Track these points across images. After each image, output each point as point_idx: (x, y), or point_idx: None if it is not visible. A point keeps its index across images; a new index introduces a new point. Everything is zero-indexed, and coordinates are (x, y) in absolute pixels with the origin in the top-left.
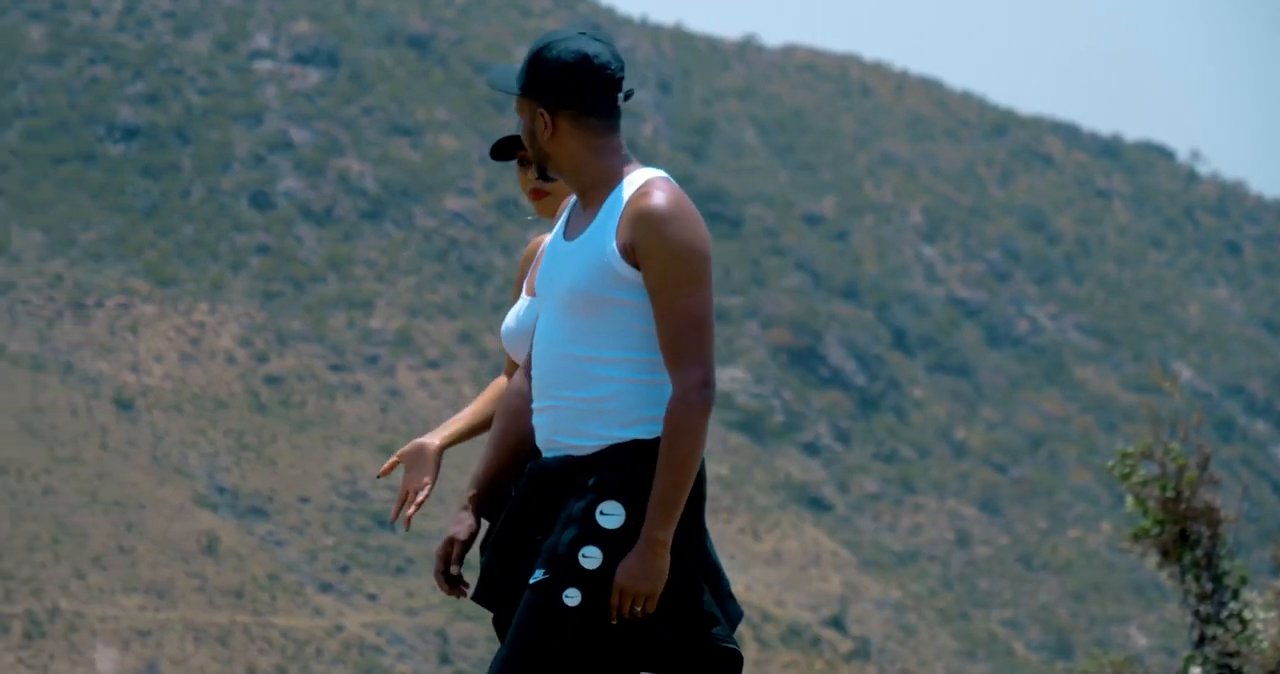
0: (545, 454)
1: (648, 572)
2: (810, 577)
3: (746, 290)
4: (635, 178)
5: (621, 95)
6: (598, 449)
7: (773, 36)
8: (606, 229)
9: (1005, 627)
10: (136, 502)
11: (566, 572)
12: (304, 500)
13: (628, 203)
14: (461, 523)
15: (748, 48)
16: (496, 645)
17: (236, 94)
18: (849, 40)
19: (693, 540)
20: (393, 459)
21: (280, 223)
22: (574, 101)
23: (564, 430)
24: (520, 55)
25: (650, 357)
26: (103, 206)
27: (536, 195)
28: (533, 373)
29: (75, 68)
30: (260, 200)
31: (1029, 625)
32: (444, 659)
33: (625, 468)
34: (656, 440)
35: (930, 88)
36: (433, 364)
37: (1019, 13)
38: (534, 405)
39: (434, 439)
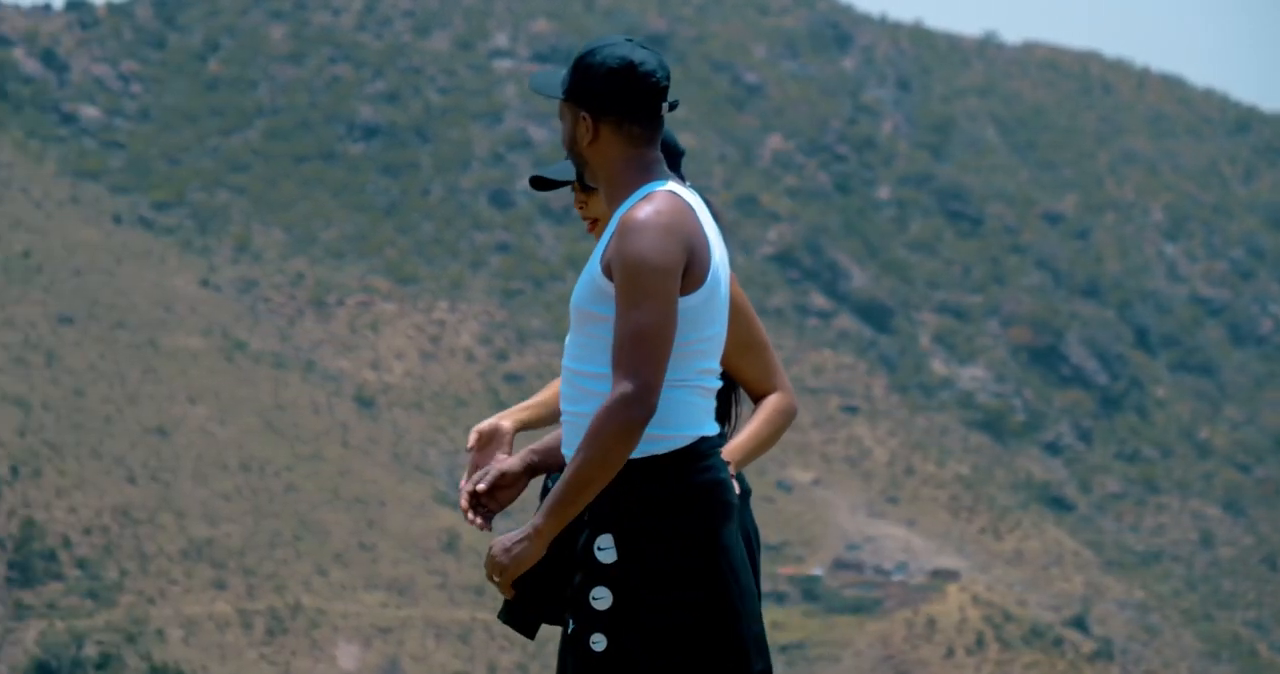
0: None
1: (510, 548)
2: (1052, 577)
3: (987, 289)
4: (643, 191)
5: (666, 106)
6: None
7: (1012, 33)
8: (603, 243)
9: (1249, 628)
10: (378, 499)
11: (585, 617)
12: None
13: (619, 227)
14: (502, 461)
15: (987, 45)
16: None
17: (476, 93)
18: (1089, 37)
19: (707, 556)
20: (474, 436)
21: (520, 221)
22: (617, 107)
23: (571, 445)
24: (759, 53)
25: None
26: (343, 205)
27: (593, 226)
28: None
29: (316, 67)
30: (500, 199)
31: (1274, 627)
32: None
33: (613, 494)
34: (645, 460)
35: (1172, 85)
36: None
37: (1262, 8)
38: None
39: (508, 421)
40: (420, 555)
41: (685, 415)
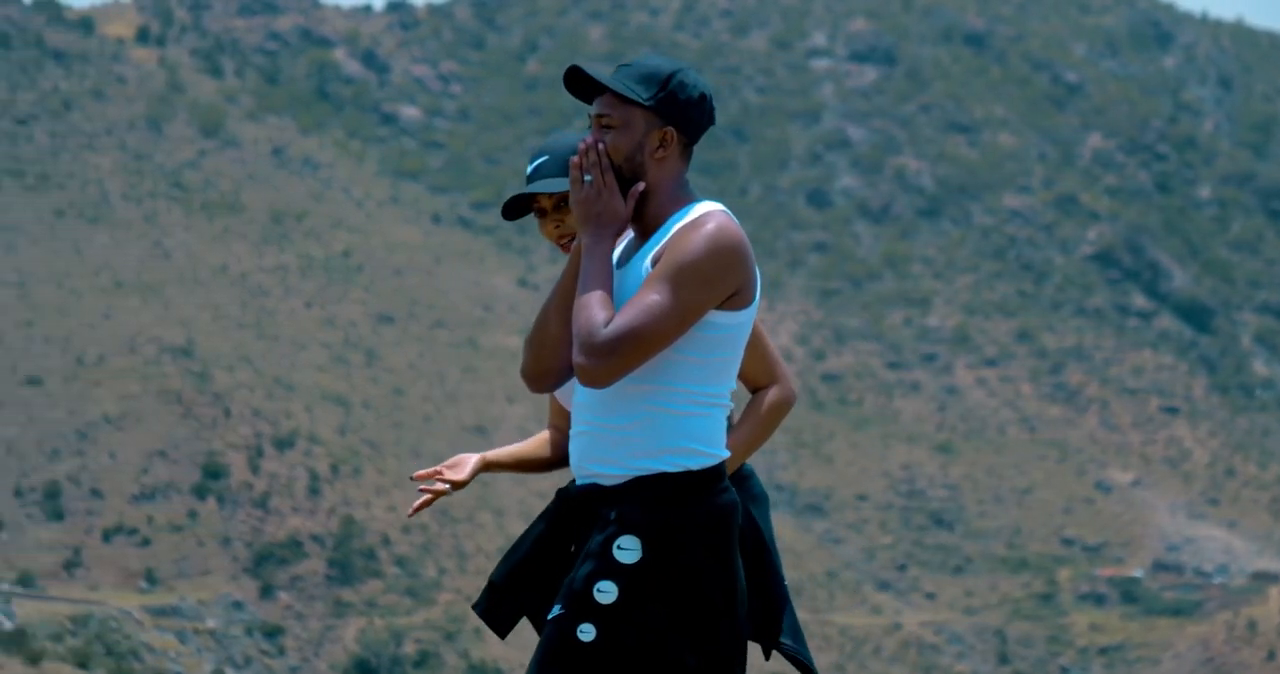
0: (576, 480)
1: (600, 195)
2: None
3: None
4: (698, 208)
5: None
6: (623, 481)
7: None
8: (648, 251)
9: None
10: None
11: (581, 606)
12: (861, 498)
13: (680, 227)
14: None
15: None
16: (1055, 646)
17: (793, 92)
18: None
19: (724, 568)
20: (435, 468)
21: (837, 221)
22: (693, 130)
23: (592, 457)
24: (1078, 52)
25: (683, 387)
26: None
27: (566, 246)
28: (573, 398)
29: None
30: (817, 198)
31: None
32: (1003, 659)
33: (646, 502)
34: (681, 474)
35: None
36: (990, 362)
37: None
38: (571, 430)
39: (479, 455)
40: None
41: (719, 435)
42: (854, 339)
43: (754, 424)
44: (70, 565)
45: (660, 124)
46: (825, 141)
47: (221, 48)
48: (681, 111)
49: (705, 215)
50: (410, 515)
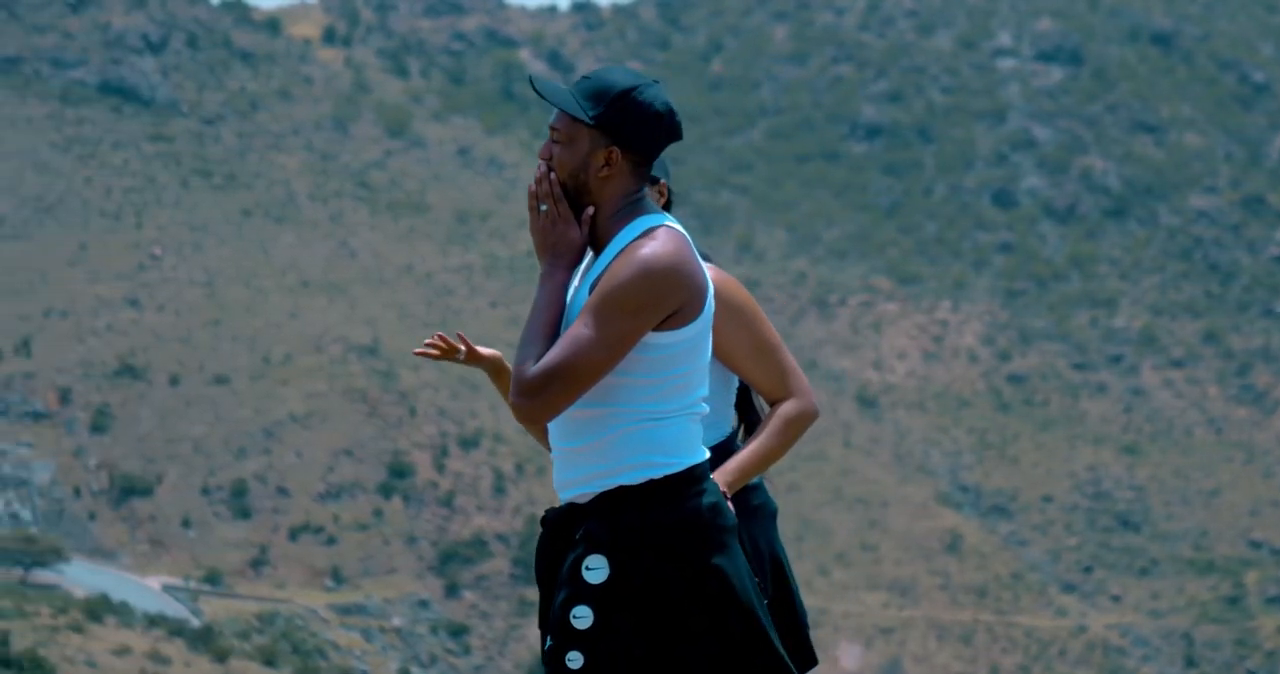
0: (560, 501)
1: (553, 227)
2: None
3: None
4: (640, 224)
5: None
6: (591, 498)
7: None
8: (592, 276)
9: None
10: (880, 499)
11: (564, 635)
12: (1047, 500)
13: (624, 248)
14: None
15: None
16: (1242, 649)
17: (979, 92)
18: None
19: (700, 576)
20: (443, 340)
21: (1023, 221)
22: (644, 149)
23: (564, 480)
24: (1265, 52)
25: (637, 407)
26: (845, 205)
27: None
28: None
29: (819, 67)
30: (1003, 198)
31: None
32: (1189, 662)
33: (610, 517)
34: (643, 485)
35: None
36: (1177, 363)
37: None
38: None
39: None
40: (922, 556)
41: (685, 443)
42: (1039, 340)
43: (765, 438)
44: (257, 563)
45: (605, 143)
46: (1011, 141)
47: (407, 48)
48: (630, 130)
49: (640, 239)
50: (416, 354)
